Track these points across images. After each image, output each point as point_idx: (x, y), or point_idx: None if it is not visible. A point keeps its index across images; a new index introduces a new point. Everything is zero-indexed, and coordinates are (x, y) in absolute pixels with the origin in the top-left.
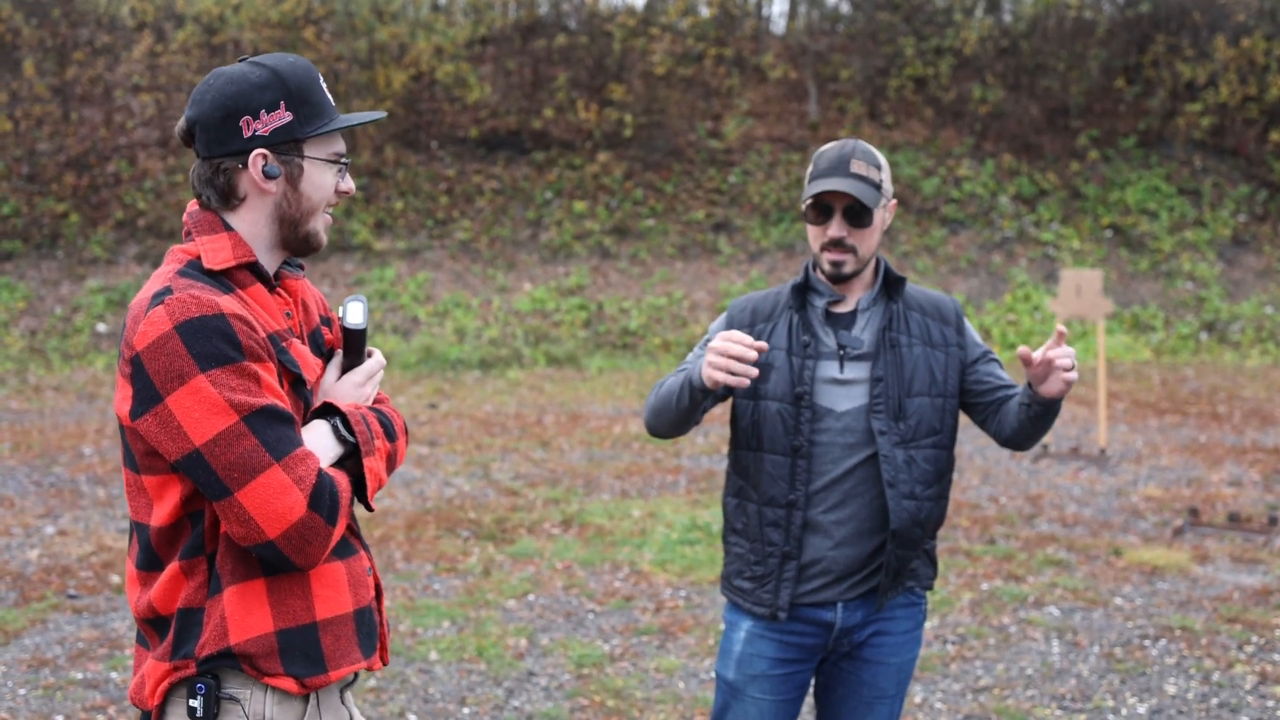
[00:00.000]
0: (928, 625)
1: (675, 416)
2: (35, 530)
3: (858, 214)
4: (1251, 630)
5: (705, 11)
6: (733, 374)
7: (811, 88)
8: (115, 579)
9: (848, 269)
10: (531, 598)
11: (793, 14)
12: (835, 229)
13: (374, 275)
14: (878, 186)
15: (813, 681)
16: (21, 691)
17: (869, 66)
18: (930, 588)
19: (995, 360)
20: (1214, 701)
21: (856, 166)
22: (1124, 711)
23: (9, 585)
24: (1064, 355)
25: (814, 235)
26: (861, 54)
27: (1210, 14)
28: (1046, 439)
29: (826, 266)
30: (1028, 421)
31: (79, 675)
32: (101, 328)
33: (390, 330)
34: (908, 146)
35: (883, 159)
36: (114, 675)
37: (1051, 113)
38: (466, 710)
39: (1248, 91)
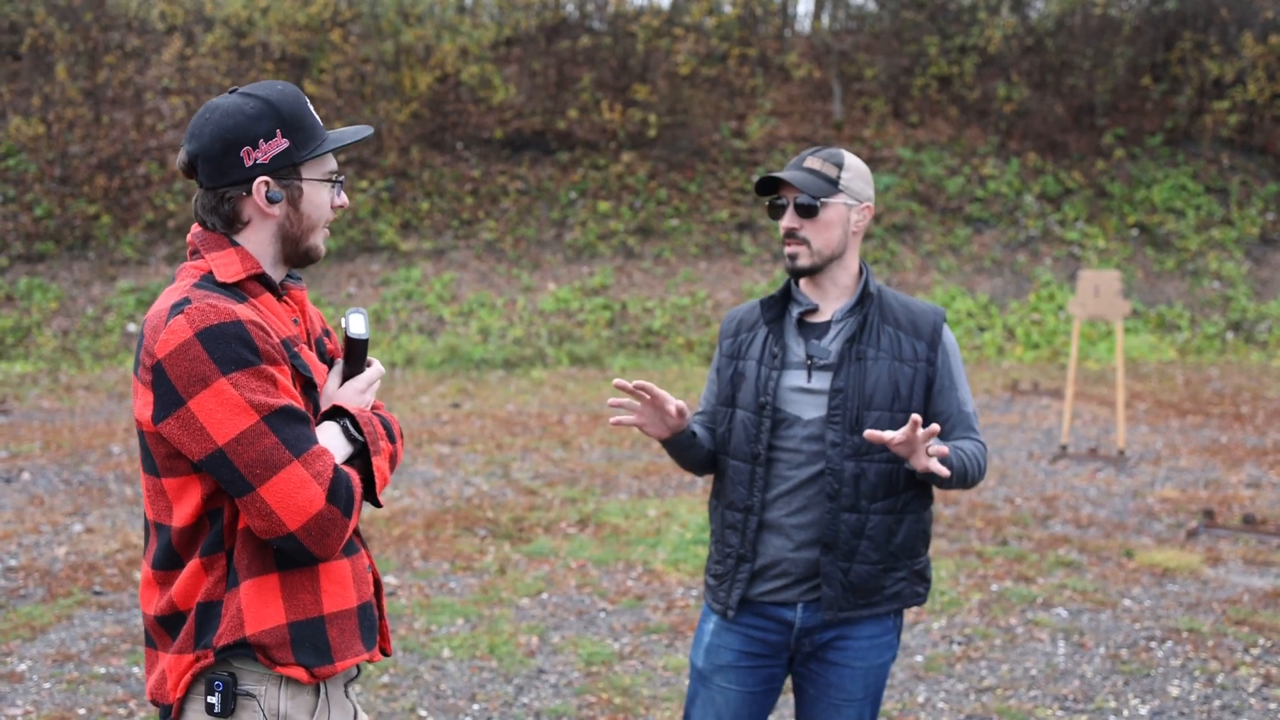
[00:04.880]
0: (935, 625)
1: (682, 464)
2: (64, 528)
3: (805, 206)
4: (1259, 633)
5: (729, 11)
6: (625, 416)
7: (836, 87)
8: (139, 575)
9: (801, 261)
10: (545, 596)
11: (817, 13)
12: (787, 220)
13: (400, 275)
14: (833, 182)
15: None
16: (46, 685)
17: (893, 65)
18: (918, 604)
19: (956, 391)
20: (1216, 704)
21: (811, 162)
22: (1125, 713)
23: (37, 582)
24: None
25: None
26: (886, 53)
27: (1238, 10)
28: (1065, 439)
29: (786, 260)
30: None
31: (102, 670)
32: (132, 328)
33: (415, 330)
34: (932, 145)
35: (855, 163)
36: (136, 670)
37: (1077, 111)
38: (476, 706)
39: (1276, 89)
